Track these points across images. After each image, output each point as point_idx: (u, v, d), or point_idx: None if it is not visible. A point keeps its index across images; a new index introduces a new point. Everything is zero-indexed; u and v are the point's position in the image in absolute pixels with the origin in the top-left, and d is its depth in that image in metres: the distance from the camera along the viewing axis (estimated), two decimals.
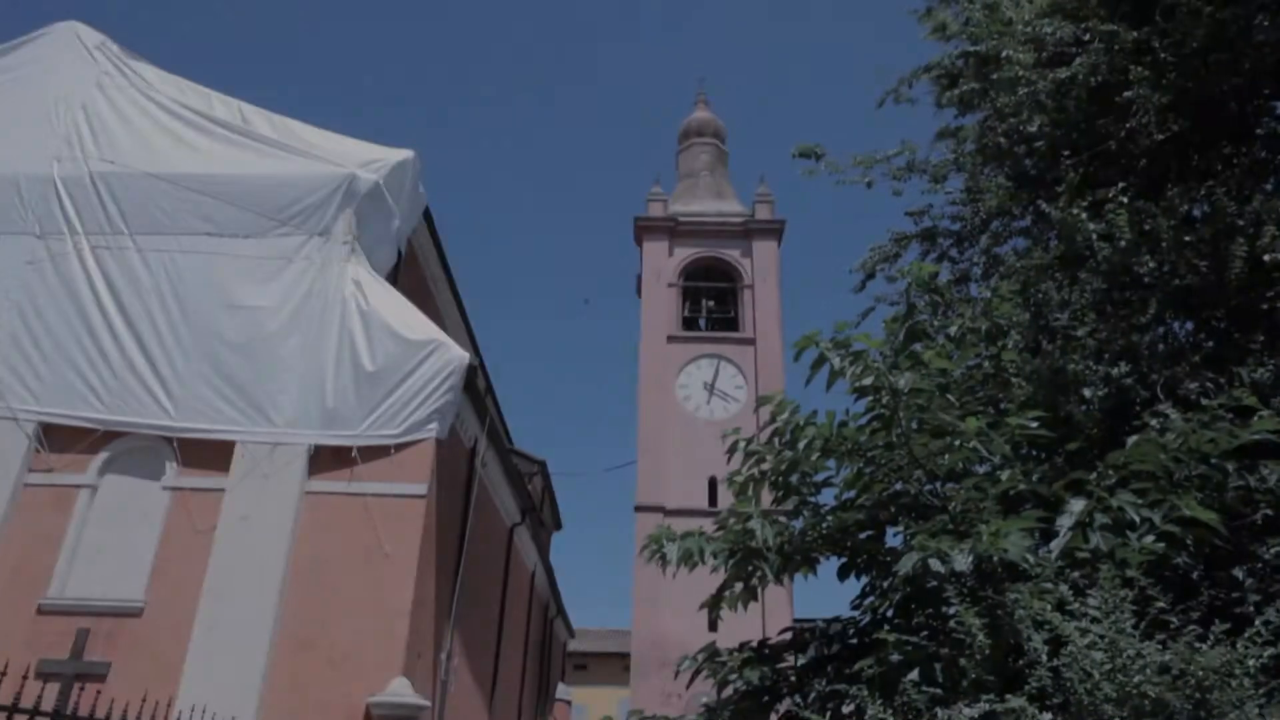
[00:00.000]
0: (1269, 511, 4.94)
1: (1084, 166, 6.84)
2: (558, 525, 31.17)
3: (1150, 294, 6.30)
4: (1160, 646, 3.73)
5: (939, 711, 4.01)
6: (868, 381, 5.23)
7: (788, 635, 6.32)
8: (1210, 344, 6.63)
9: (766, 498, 6.07)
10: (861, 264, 8.81)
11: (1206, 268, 6.13)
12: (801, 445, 5.63)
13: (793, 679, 5.85)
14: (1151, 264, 6.20)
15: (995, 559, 4.54)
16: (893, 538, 5.74)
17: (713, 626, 20.55)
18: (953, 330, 6.51)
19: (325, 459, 11.72)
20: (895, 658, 4.58)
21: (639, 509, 24.95)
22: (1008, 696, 3.88)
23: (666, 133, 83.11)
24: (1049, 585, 4.34)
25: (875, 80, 8.74)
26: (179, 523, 11.47)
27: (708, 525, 6.24)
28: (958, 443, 5.19)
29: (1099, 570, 4.17)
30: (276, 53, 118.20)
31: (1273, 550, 4.96)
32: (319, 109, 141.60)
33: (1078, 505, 4.71)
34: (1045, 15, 7.30)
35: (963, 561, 4.44)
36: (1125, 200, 6.28)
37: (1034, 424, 5.27)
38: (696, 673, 5.94)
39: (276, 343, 12.17)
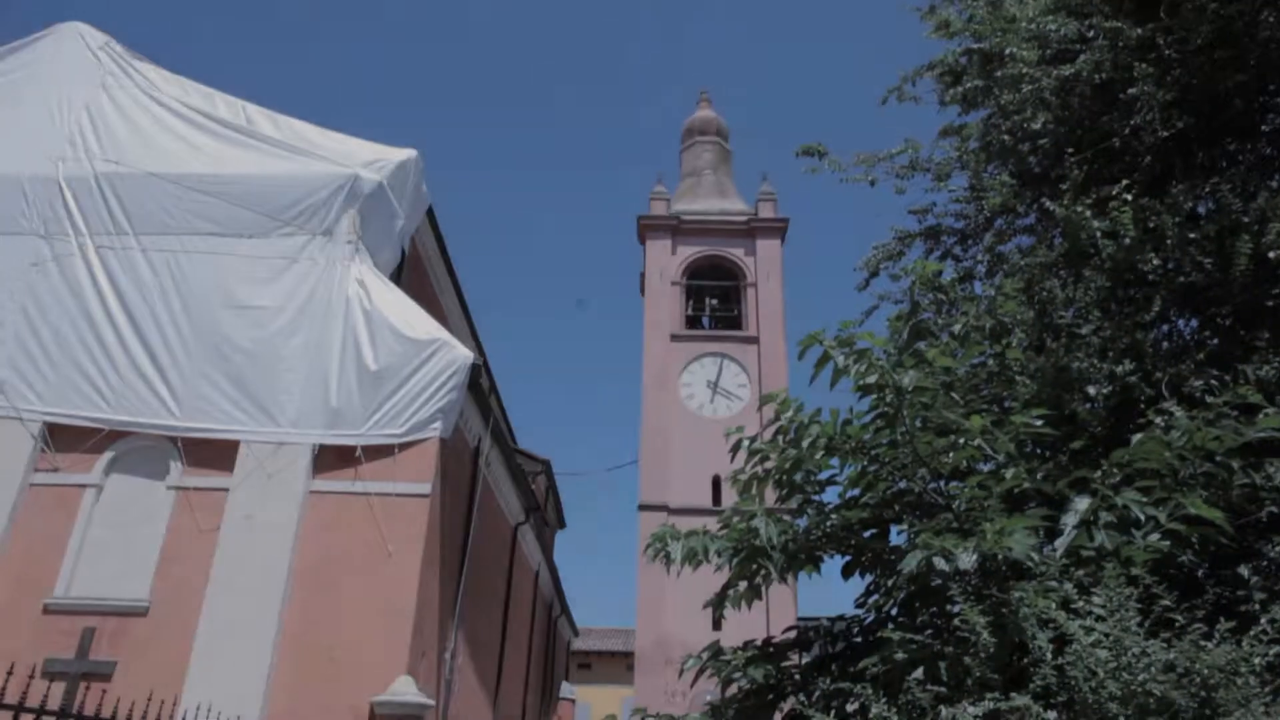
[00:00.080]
0: (1274, 509, 4.93)
1: (1088, 164, 6.82)
2: (561, 524, 31.19)
3: (1155, 291, 6.28)
4: (1165, 645, 3.72)
5: (943, 710, 4.01)
6: (872, 379, 5.23)
7: (792, 634, 6.32)
8: (1215, 341, 6.62)
9: (770, 496, 6.07)
10: (865, 262, 8.79)
11: (1211, 265, 6.11)
12: (805, 443, 5.62)
13: (797, 677, 5.85)
14: (1156, 261, 6.18)
15: (1000, 557, 4.54)
16: (897, 536, 5.74)
17: (716, 625, 20.51)
18: (957, 328, 6.50)
19: (329, 458, 11.74)
20: (900, 656, 4.57)
21: (642, 508, 24.94)
22: (1012, 695, 3.88)
23: (669, 131, 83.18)
24: (1053, 583, 4.34)
25: (878, 78, 8.69)
26: (183, 522, 11.49)
27: (711, 524, 6.25)
28: (962, 441, 5.19)
29: (1104, 568, 4.16)
30: (279, 52, 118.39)
31: (1278, 548, 4.95)
32: (322, 109, 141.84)
33: (1082, 503, 4.71)
34: (1049, 12, 7.28)
35: (967, 560, 4.43)
36: (1129, 197, 6.26)
37: (1038, 422, 5.26)
38: (700, 671, 5.94)
39: (280, 342, 12.18)
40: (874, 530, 5.83)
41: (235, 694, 9.95)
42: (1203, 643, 3.69)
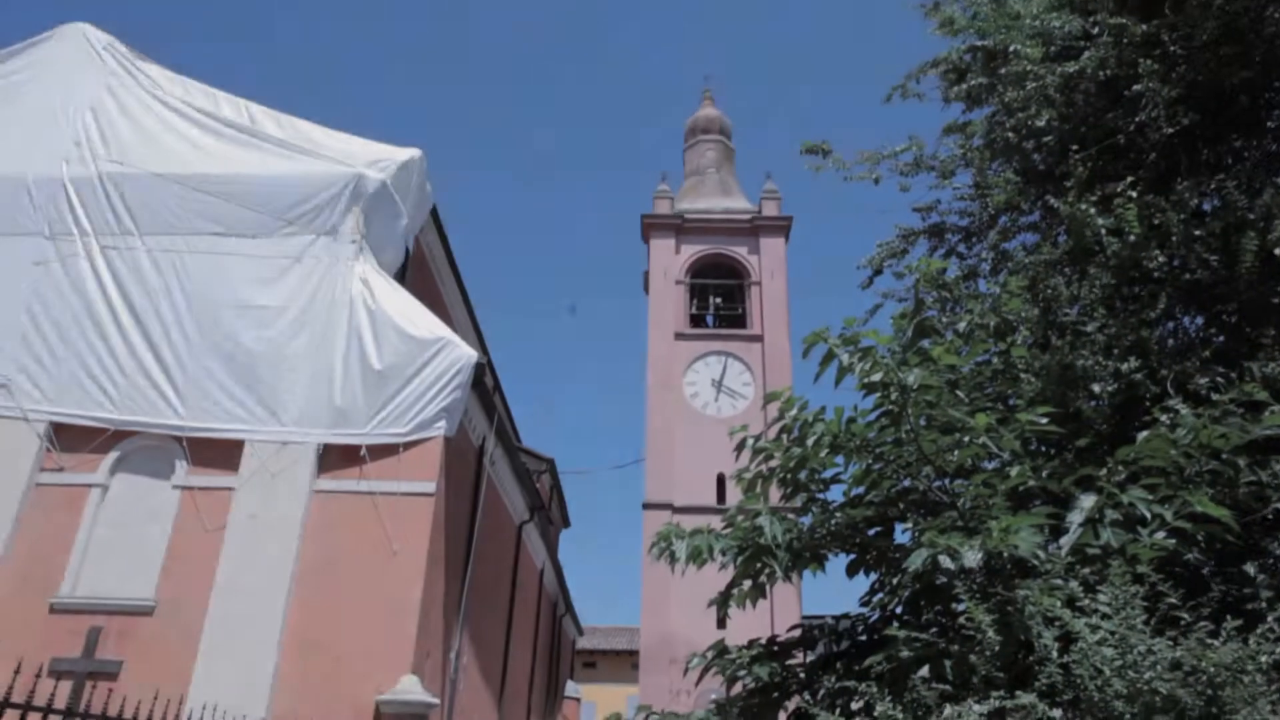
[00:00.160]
0: None
1: (1093, 161, 6.81)
2: (566, 523, 31.22)
3: (1160, 289, 6.27)
4: (1171, 643, 3.71)
5: (948, 708, 4.00)
6: (876, 378, 5.22)
7: (797, 632, 6.32)
8: (1221, 338, 6.61)
9: (775, 494, 6.07)
10: (869, 260, 8.78)
11: (1217, 262, 6.10)
12: (810, 442, 5.62)
13: (802, 676, 5.86)
14: (1161, 258, 6.17)
15: (1005, 555, 4.53)
16: (901, 534, 5.74)
17: (721, 624, 20.46)
18: (961, 326, 6.50)
19: (334, 458, 11.75)
20: (905, 654, 4.57)
21: (647, 506, 24.96)
22: (1018, 693, 3.88)
23: (673, 130, 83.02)
24: (1059, 581, 4.33)
25: (882, 76, 8.67)
26: (189, 521, 11.51)
27: (716, 522, 6.25)
28: (967, 439, 5.18)
29: (1109, 566, 4.16)
30: (282, 52, 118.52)
31: None
32: (325, 109, 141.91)
33: (1088, 501, 4.70)
34: (1053, 9, 7.27)
35: (972, 558, 4.43)
36: (1134, 194, 6.25)
37: (1043, 420, 5.25)
38: (705, 670, 5.94)
39: (285, 342, 12.19)
40: (879, 528, 5.83)
41: (241, 693, 9.96)
42: (1209, 641, 3.68)
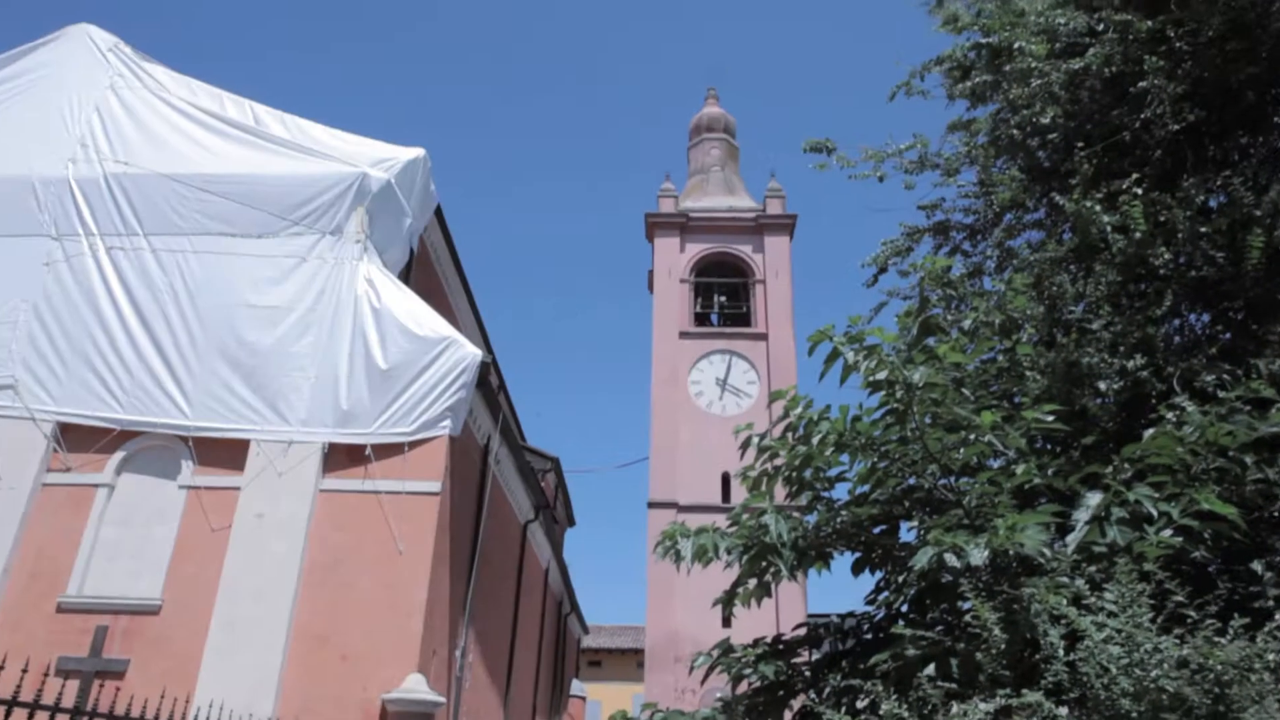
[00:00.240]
0: None
1: (1098, 158, 6.79)
2: (571, 522, 31.24)
3: (1166, 286, 6.25)
4: (1178, 641, 3.70)
5: (954, 706, 4.00)
6: (881, 376, 5.22)
7: (802, 631, 6.32)
8: (1227, 336, 6.59)
9: (780, 493, 6.07)
10: (874, 258, 8.77)
11: (1223, 259, 6.08)
12: (815, 440, 5.62)
13: (807, 674, 5.85)
14: (1167, 255, 6.15)
15: (1011, 553, 4.52)
16: (907, 532, 5.73)
17: (726, 622, 20.54)
18: (966, 324, 6.49)
19: (339, 457, 11.77)
20: (911, 653, 4.57)
21: (652, 505, 24.96)
22: (1024, 691, 3.87)
23: (677, 128, 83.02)
24: (1065, 579, 4.33)
25: (887, 74, 8.67)
26: (195, 521, 11.54)
27: (721, 521, 6.25)
28: (972, 437, 5.18)
29: (1116, 564, 4.15)
30: (286, 52, 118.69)
31: None
32: (329, 109, 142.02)
33: (1094, 499, 4.69)
34: (1058, 6, 7.25)
35: (978, 556, 4.42)
36: (1140, 191, 6.23)
37: (1049, 417, 5.24)
38: (711, 668, 5.94)
39: (290, 341, 12.22)
40: (884, 527, 5.83)
41: (247, 691, 10.00)
42: (1216, 639, 3.67)
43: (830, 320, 5.64)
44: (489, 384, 13.14)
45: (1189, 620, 3.90)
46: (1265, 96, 6.76)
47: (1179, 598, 3.99)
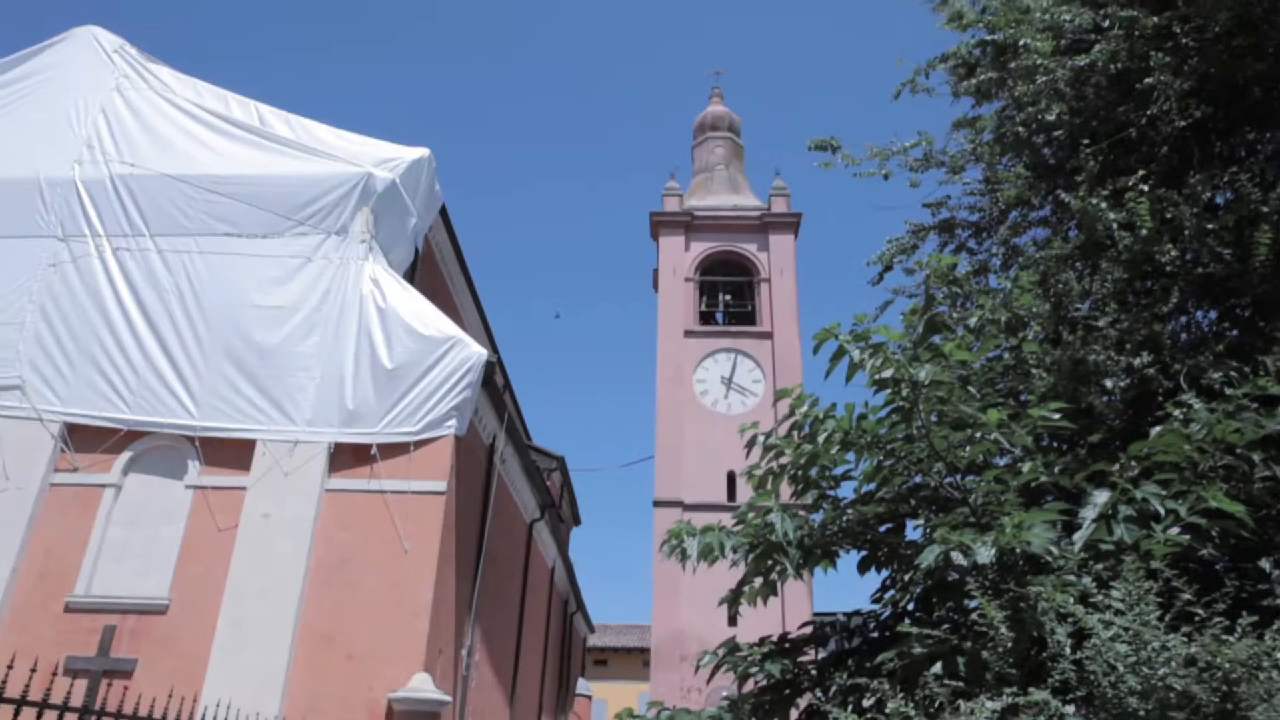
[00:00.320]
0: None
1: (1104, 155, 6.77)
2: (576, 520, 31.26)
3: (1172, 283, 6.23)
4: (1186, 639, 3.69)
5: (961, 704, 3.99)
6: (887, 374, 5.21)
7: (808, 629, 6.31)
8: (1234, 332, 6.56)
9: (786, 492, 6.06)
10: (879, 256, 8.76)
11: (1230, 255, 6.06)
12: (821, 438, 5.61)
13: (813, 673, 5.85)
14: (1173, 252, 6.13)
15: (1018, 551, 4.51)
16: (913, 531, 5.72)
17: (732, 621, 20.52)
18: (972, 322, 6.47)
19: (345, 457, 11.80)
20: (917, 651, 4.56)
21: (657, 504, 24.95)
22: (1031, 689, 3.86)
23: (681, 127, 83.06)
24: (1072, 578, 4.31)
25: (891, 71, 8.66)
26: (201, 521, 11.58)
27: (726, 520, 6.24)
28: (978, 435, 5.16)
29: (1123, 562, 4.13)
30: (288, 52, 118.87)
31: None
32: (334, 109, 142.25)
33: (1101, 497, 4.68)
34: (1063, 2, 7.23)
35: (985, 554, 4.41)
36: (1146, 188, 6.21)
37: (1055, 415, 5.23)
38: (717, 667, 5.93)
39: (295, 341, 12.25)
40: (890, 525, 5.82)
41: (254, 690, 10.03)
42: (1224, 637, 3.66)
43: (836, 318, 5.65)
44: (494, 383, 13.16)
45: (1197, 618, 3.88)
46: (1272, 92, 6.73)
47: (1186, 596, 3.98)
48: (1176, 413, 5.07)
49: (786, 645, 6.03)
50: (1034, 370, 6.19)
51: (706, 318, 28.68)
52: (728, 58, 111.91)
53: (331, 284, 12.51)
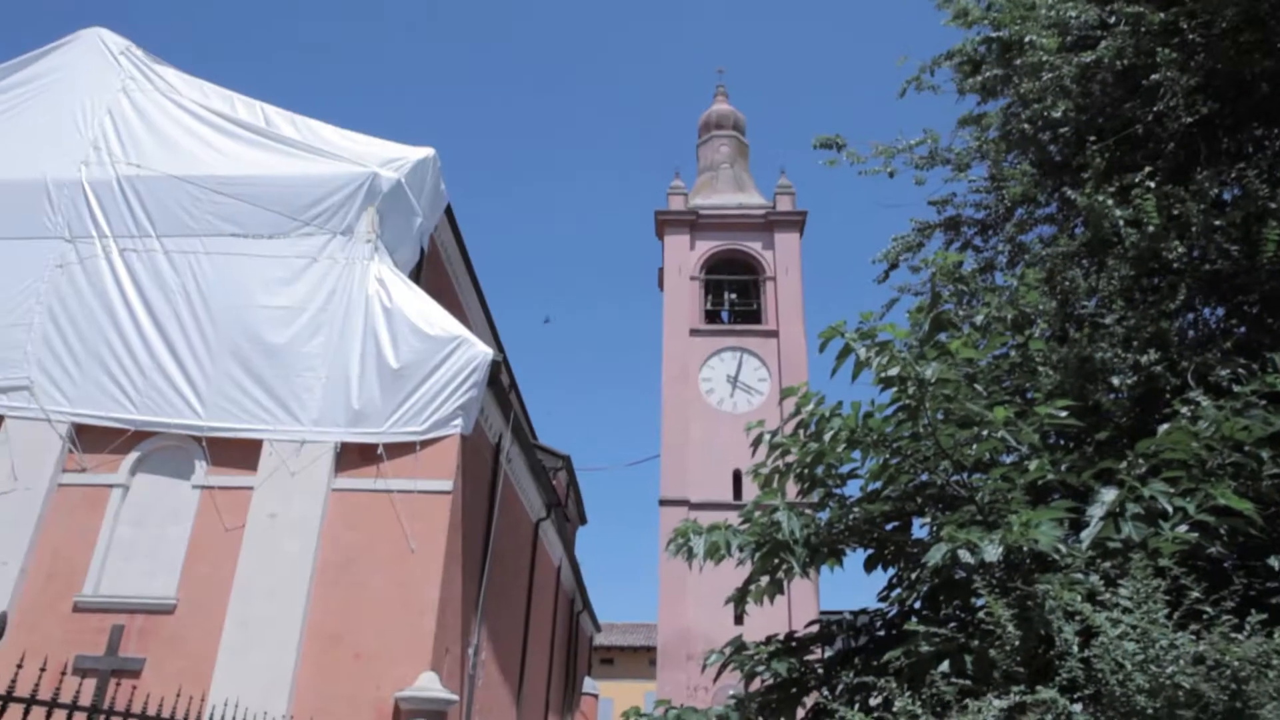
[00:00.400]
0: None
1: (1110, 151, 6.75)
2: (582, 519, 31.29)
3: (1180, 279, 6.21)
4: (1194, 637, 3.68)
5: (968, 703, 3.98)
6: (893, 372, 5.20)
7: (815, 628, 6.31)
8: (1242, 329, 6.54)
9: (792, 490, 6.06)
10: (885, 254, 8.75)
11: (1237, 252, 6.03)
12: (827, 437, 5.61)
13: (820, 671, 5.85)
14: (1181, 249, 6.11)
15: (1025, 549, 4.50)
16: (919, 529, 5.71)
17: (738, 620, 20.43)
18: (978, 319, 6.46)
19: (351, 456, 11.82)
20: (924, 649, 4.55)
21: (663, 503, 24.96)
22: (1038, 688, 3.85)
23: (685, 126, 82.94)
24: (1079, 576, 4.31)
25: (896, 71, 8.63)
26: (208, 521, 11.62)
27: (732, 518, 6.25)
28: (985, 432, 5.16)
29: (1130, 560, 4.12)
30: (294, 52, 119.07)
31: None
32: (338, 109, 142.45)
33: (1109, 495, 4.66)
34: None
35: (993, 552, 4.40)
36: (1153, 185, 6.19)
37: (1062, 413, 5.22)
38: (723, 666, 5.94)
39: (302, 341, 12.28)
40: (896, 523, 5.82)
41: (261, 690, 10.06)
42: (1232, 635, 3.65)
43: (841, 317, 5.62)
44: (500, 383, 13.17)
45: (1205, 616, 3.87)
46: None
47: (1195, 593, 3.96)
48: (1184, 410, 5.05)
49: (793, 644, 6.04)
50: (1040, 368, 6.18)
51: (712, 316, 28.67)
52: (732, 56, 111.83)
53: (337, 284, 12.54)
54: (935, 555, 4.56)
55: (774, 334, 27.00)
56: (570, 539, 25.33)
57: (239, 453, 11.89)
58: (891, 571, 5.81)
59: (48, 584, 11.31)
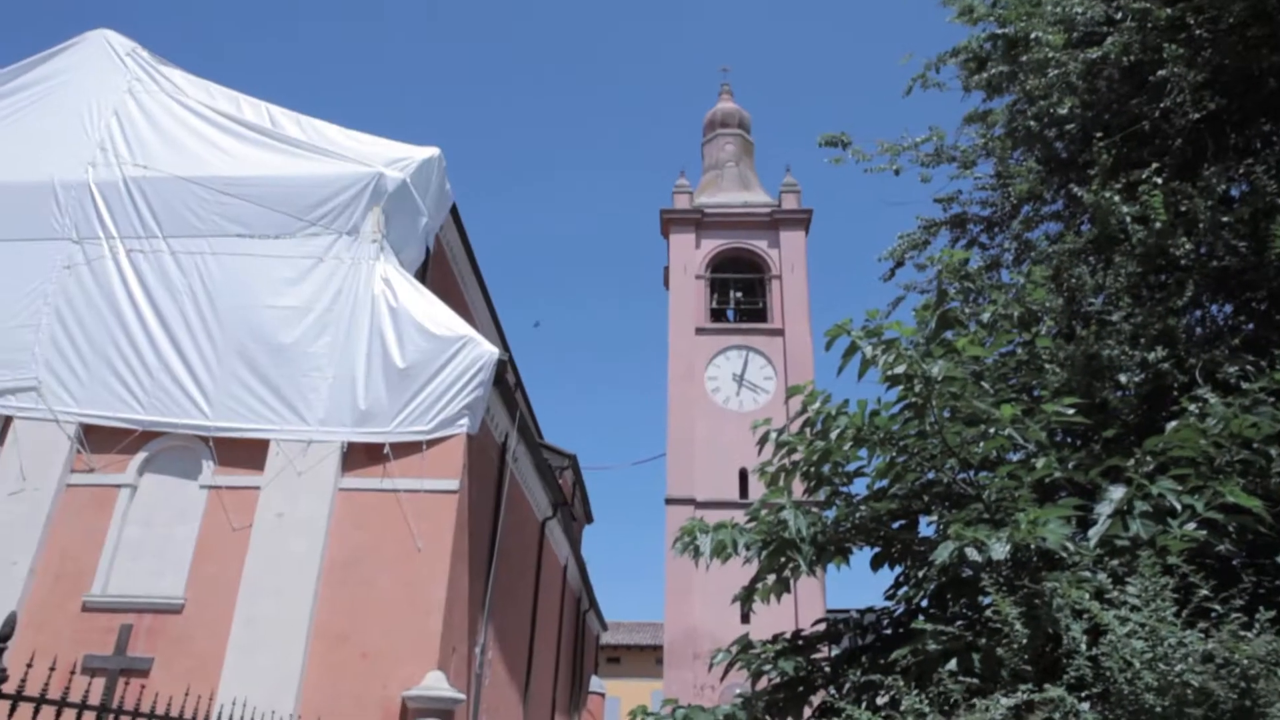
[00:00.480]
0: None
1: (1117, 148, 6.72)
2: (589, 518, 31.30)
3: (1187, 276, 6.19)
4: (1203, 635, 3.66)
5: (976, 701, 3.98)
6: (900, 370, 5.19)
7: (821, 626, 6.31)
8: (1250, 326, 6.51)
9: (798, 488, 6.05)
10: (890, 252, 8.74)
11: (1245, 248, 6.01)
12: (833, 435, 5.60)
13: (827, 670, 5.84)
14: (1188, 246, 6.09)
15: (1032, 547, 4.49)
16: (926, 527, 5.71)
17: (745, 618, 20.49)
18: (985, 317, 6.44)
19: (358, 456, 11.84)
20: (931, 648, 4.54)
21: (669, 501, 24.95)
22: (1046, 686, 3.84)
23: (690, 124, 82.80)
24: (1087, 574, 4.29)
25: (901, 69, 8.61)
26: (216, 520, 11.65)
27: (739, 517, 6.23)
28: (992, 430, 5.14)
29: (1139, 558, 4.11)
30: (298, 52, 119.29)
31: None
32: (342, 109, 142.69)
33: (1117, 492, 4.65)
34: None
35: (1000, 550, 4.39)
36: (1160, 181, 6.17)
37: (1069, 410, 5.20)
38: (730, 665, 5.94)
39: (308, 341, 12.30)
40: (903, 521, 5.80)
41: (269, 689, 10.08)
42: (1242, 633, 3.63)
43: (847, 315, 5.62)
44: (506, 382, 13.18)
45: (1213, 614, 3.86)
46: None
47: (1203, 591, 3.95)
48: (1192, 407, 5.03)
49: (800, 642, 6.03)
50: (1047, 365, 6.16)
51: (717, 315, 28.63)
52: (737, 55, 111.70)
53: (343, 284, 12.56)
54: (942, 553, 4.55)
55: (780, 332, 26.96)
56: (576, 538, 25.34)
57: (246, 453, 11.92)
58: (898, 570, 5.80)
59: (56, 584, 11.36)
